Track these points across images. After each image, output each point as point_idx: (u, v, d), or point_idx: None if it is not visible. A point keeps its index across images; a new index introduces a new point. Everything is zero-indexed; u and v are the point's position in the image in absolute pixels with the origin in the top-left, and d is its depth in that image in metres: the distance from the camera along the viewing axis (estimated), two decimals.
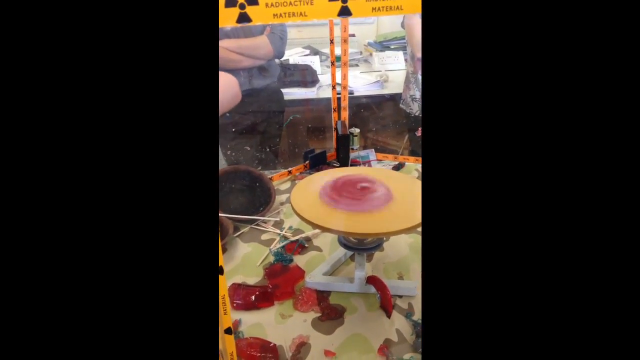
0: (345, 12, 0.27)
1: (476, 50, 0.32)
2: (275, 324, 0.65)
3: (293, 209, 0.64)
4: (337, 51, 1.02)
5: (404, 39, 2.04)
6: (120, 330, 0.34)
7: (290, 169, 1.09)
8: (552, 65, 0.32)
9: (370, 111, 1.93)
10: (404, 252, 0.80)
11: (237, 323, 0.65)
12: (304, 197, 0.67)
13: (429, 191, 0.34)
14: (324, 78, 1.99)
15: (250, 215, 0.89)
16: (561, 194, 0.33)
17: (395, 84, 1.94)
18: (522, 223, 0.33)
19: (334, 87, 1.07)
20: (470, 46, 0.32)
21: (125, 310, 0.34)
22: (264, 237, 0.87)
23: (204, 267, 0.35)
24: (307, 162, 1.09)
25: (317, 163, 1.10)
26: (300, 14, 0.27)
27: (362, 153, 1.08)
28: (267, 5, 0.27)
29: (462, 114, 0.33)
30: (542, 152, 0.33)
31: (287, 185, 1.06)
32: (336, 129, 1.08)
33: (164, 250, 0.34)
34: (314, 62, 2.09)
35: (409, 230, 0.58)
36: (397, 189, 0.68)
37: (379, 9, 0.28)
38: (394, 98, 1.84)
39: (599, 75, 0.32)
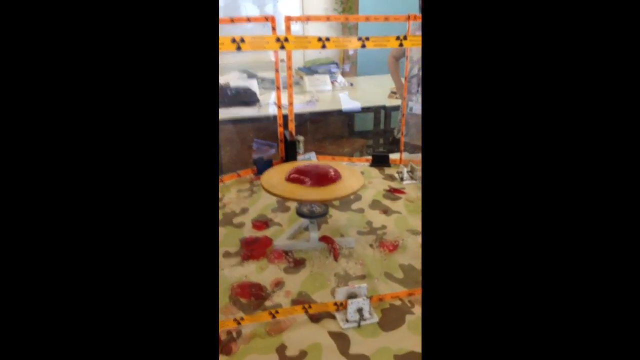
0: None
1: (471, 58, 0.35)
2: (257, 274, 0.90)
3: (264, 188, 0.91)
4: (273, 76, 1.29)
5: (327, 64, 2.39)
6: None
7: (238, 172, 1.34)
8: (553, 67, 0.34)
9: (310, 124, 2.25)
10: (343, 223, 1.10)
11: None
12: (271, 180, 0.94)
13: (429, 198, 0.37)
14: (262, 98, 2.27)
15: None
16: (558, 199, 0.34)
17: (324, 103, 2.27)
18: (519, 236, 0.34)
19: (279, 107, 1.36)
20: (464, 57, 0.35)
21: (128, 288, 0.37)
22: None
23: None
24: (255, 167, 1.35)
25: (264, 168, 1.36)
26: None
27: (306, 156, 1.37)
28: None
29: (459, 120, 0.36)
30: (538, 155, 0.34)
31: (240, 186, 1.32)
32: (285, 137, 1.36)
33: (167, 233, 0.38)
34: (252, 84, 2.36)
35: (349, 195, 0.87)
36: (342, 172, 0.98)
37: None
38: (325, 114, 2.17)
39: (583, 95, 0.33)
